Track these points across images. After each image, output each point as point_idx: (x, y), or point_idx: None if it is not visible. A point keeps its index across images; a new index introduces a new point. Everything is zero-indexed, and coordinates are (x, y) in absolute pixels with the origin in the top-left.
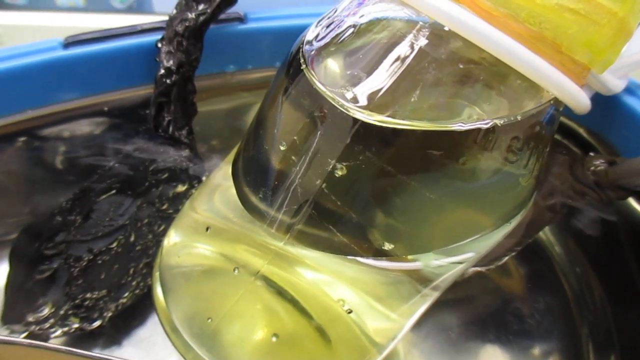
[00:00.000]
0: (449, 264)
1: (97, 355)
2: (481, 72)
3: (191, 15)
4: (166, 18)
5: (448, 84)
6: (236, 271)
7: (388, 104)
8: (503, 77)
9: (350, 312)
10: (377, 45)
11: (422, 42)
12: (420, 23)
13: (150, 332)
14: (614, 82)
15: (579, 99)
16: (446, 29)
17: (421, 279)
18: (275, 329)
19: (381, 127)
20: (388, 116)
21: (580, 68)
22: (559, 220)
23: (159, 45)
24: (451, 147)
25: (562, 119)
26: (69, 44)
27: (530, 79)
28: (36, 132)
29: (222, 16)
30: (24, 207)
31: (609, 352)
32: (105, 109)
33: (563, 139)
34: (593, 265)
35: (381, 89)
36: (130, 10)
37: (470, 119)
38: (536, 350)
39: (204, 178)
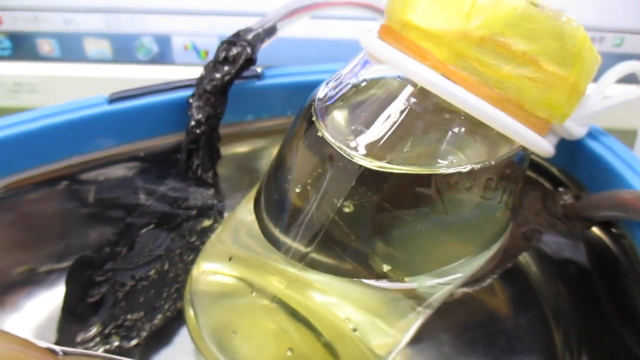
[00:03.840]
0: (439, 284)
1: None
2: (462, 123)
3: (218, 75)
4: (185, 68)
5: (434, 133)
6: (255, 295)
7: (386, 153)
8: (480, 126)
9: (355, 330)
10: (376, 102)
11: (412, 100)
12: (409, 86)
13: (176, 351)
14: (577, 129)
15: (542, 147)
16: None
17: (416, 298)
18: (290, 345)
19: (381, 171)
20: (387, 162)
21: (542, 122)
22: (533, 247)
23: (190, 100)
24: (437, 187)
25: (537, 158)
26: (113, 99)
27: (500, 132)
28: (78, 176)
29: (244, 74)
30: (67, 240)
31: (581, 350)
32: (142, 154)
33: (538, 177)
34: (564, 281)
35: (380, 139)
36: (153, 61)
37: (452, 164)
38: None
39: (226, 214)
